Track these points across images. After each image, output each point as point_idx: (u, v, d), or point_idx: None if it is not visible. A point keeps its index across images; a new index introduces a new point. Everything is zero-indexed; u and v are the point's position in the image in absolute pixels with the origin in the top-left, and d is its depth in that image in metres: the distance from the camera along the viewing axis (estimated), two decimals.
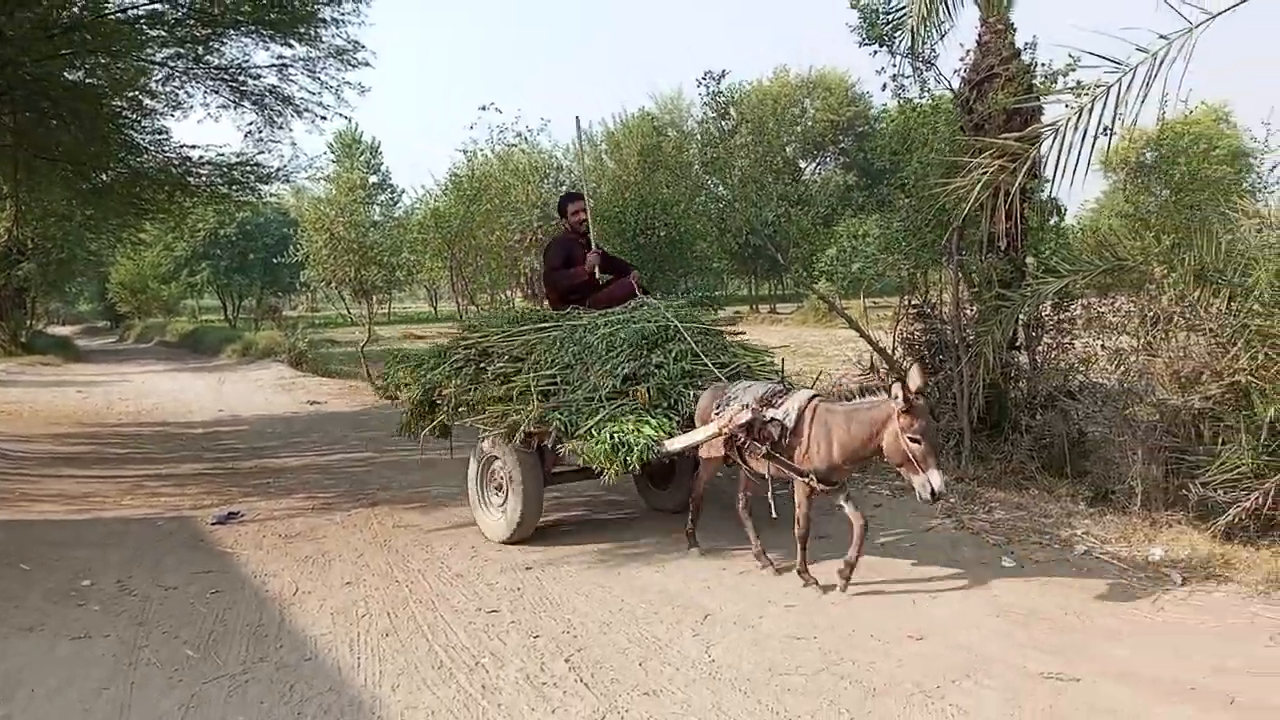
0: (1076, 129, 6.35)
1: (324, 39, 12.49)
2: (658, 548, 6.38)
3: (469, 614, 5.23)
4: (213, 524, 7.46)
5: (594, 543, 6.59)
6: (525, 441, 6.16)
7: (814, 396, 5.45)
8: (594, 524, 7.22)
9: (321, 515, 7.69)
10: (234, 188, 14.70)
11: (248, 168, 14.23)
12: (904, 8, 7.90)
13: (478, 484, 6.83)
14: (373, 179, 41.51)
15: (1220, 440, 5.99)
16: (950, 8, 7.72)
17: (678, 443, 5.76)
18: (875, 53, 8.15)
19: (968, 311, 8.38)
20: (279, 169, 14.53)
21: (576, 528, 7.10)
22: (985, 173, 6.39)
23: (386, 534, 7.03)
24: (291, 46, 12.56)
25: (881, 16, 7.38)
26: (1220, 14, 6.12)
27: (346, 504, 8.07)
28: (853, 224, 20.87)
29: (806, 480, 5.27)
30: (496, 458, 6.55)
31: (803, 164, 41.09)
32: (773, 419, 5.39)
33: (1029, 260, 8.34)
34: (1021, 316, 7.57)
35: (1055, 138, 6.53)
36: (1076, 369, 7.96)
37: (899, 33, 7.98)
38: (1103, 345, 7.52)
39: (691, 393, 6.05)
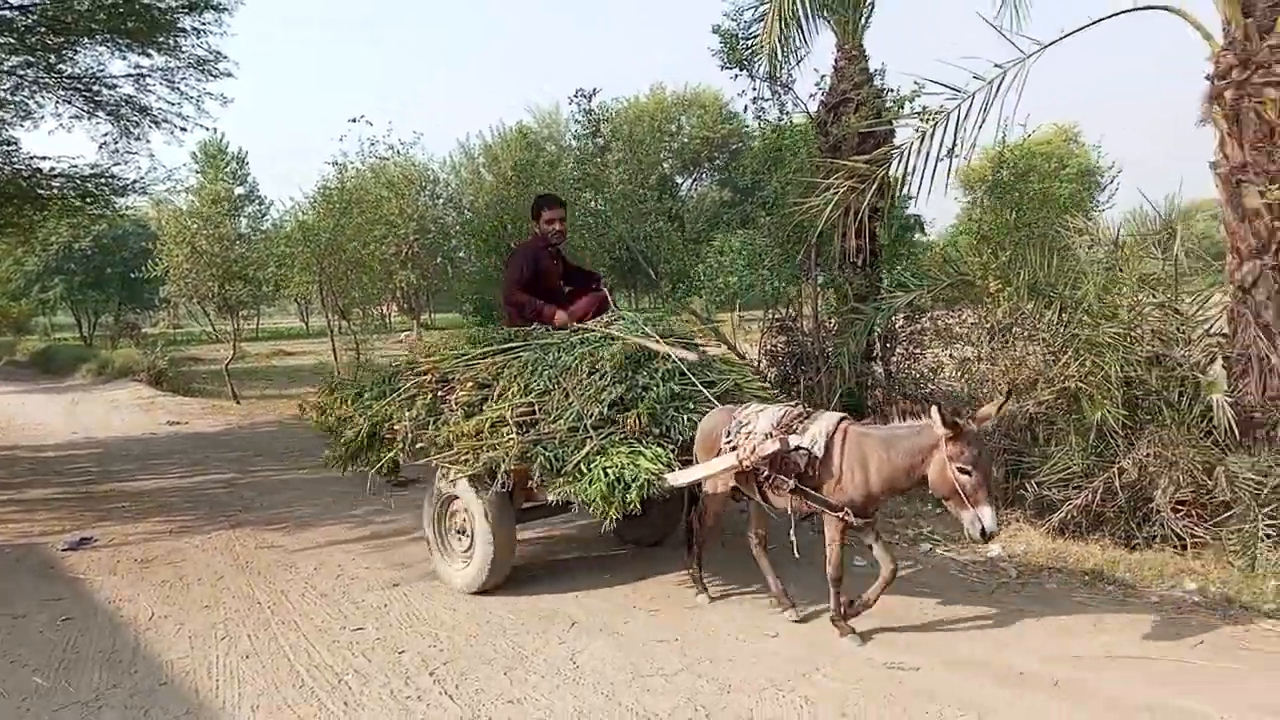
0: (920, 152, 6.76)
1: (184, 49, 12.15)
2: (530, 558, 6.44)
3: (333, 633, 5.18)
4: (64, 550, 7.13)
5: None
6: (493, 478, 5.34)
7: (841, 419, 4.87)
8: None
9: (180, 538, 7.44)
10: (88, 200, 14.06)
11: (103, 180, 13.64)
12: (761, 34, 8.23)
13: (435, 528, 6.00)
14: (239, 190, 40.17)
15: (1053, 442, 6.46)
16: (806, 35, 8.09)
17: (685, 476, 5.07)
18: (735, 76, 8.48)
19: (828, 324, 8.77)
20: (135, 181, 13.97)
21: None
22: (836, 193, 6.73)
23: (249, 555, 6.87)
24: (150, 56, 12.17)
25: (741, 42, 7.67)
26: (1049, 45, 6.66)
27: (207, 526, 7.83)
28: (722, 240, 21.37)
29: (841, 515, 4.69)
30: (457, 497, 5.73)
31: (679, 180, 41.77)
32: (798, 447, 4.75)
33: (885, 275, 8.80)
34: (876, 329, 7.97)
35: (901, 160, 6.94)
36: (927, 378, 8.44)
37: (757, 57, 8.32)
38: (950, 355, 8.01)
39: (686, 417, 5.37)
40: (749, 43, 8.32)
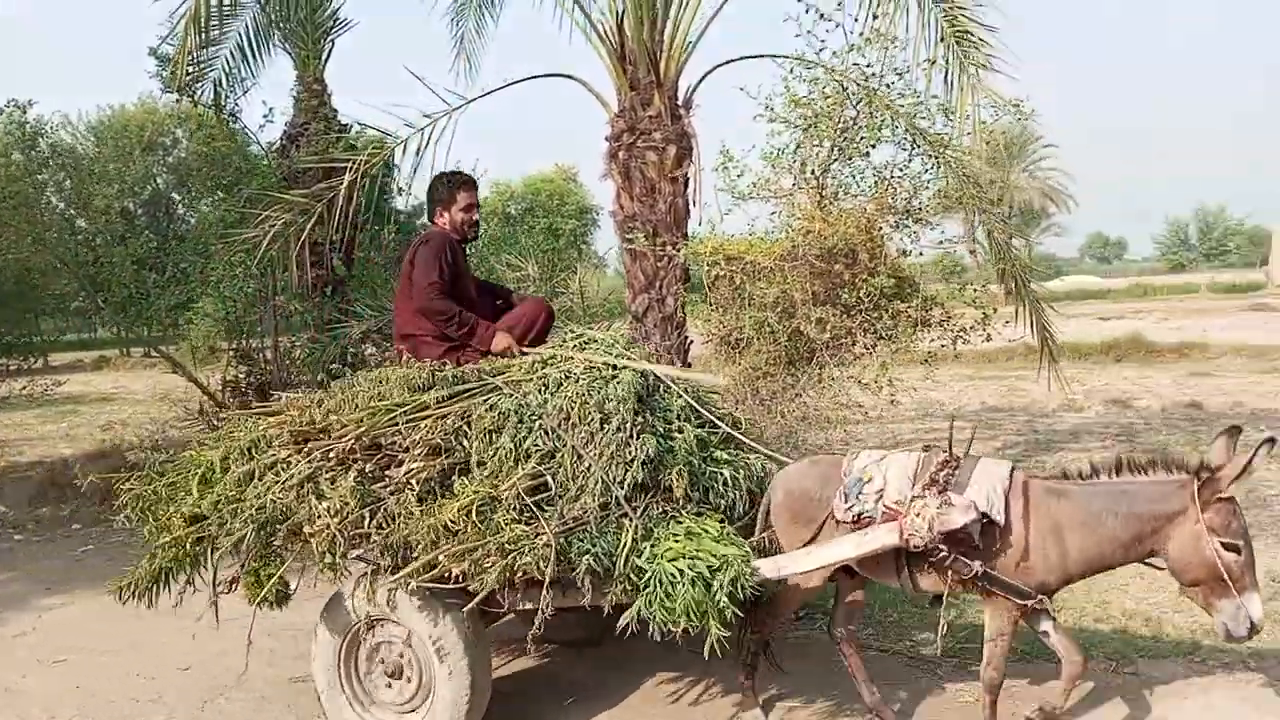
0: (361, 186, 7.09)
1: None
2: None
3: None
4: None
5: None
6: (463, 591, 3.67)
7: (1013, 469, 3.71)
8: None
9: None
10: None
11: None
12: (210, 60, 8.06)
13: (339, 673, 4.08)
14: None
15: None
16: (253, 65, 8.09)
17: (803, 562, 3.76)
18: (178, 100, 8.19)
19: (296, 353, 8.78)
20: None
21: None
22: (274, 224, 6.82)
23: None
24: None
25: (183, 67, 7.44)
26: (473, 100, 7.37)
27: None
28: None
29: (1029, 601, 3.57)
30: (392, 623, 3.97)
31: (176, 196, 38.61)
32: (984, 515, 3.54)
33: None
34: (345, 356, 8.14)
35: (348, 193, 7.21)
36: None
37: (201, 83, 8.12)
38: None
39: (725, 473, 3.99)
40: (193, 68, 8.09)
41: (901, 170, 6.47)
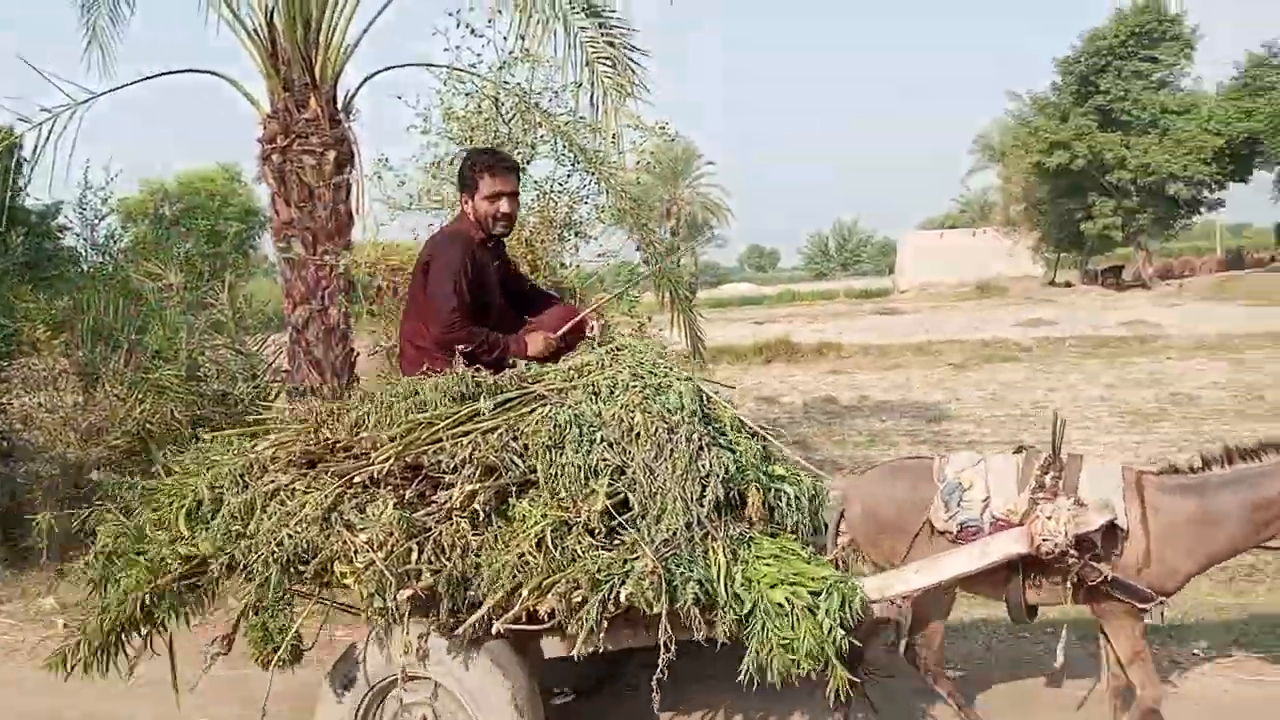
0: None
1: None
2: None
3: None
4: None
5: None
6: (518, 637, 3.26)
7: (1123, 468, 3.56)
8: None
9: None
10: None
11: None
12: None
13: None
14: None
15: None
16: None
17: (909, 581, 3.43)
18: None
19: None
20: None
21: None
22: None
23: None
24: None
25: None
26: (102, 94, 6.72)
27: None
28: None
29: (1151, 607, 3.38)
30: (426, 681, 3.40)
31: None
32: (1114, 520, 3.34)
33: None
34: None
35: None
36: (16, 430, 7.79)
37: None
38: (40, 404, 7.51)
39: (787, 490, 3.55)
40: None
41: (561, 185, 6.71)
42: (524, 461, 3.31)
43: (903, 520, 3.55)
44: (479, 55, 6.31)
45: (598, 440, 3.30)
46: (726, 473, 3.32)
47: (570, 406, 3.41)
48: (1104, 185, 38.32)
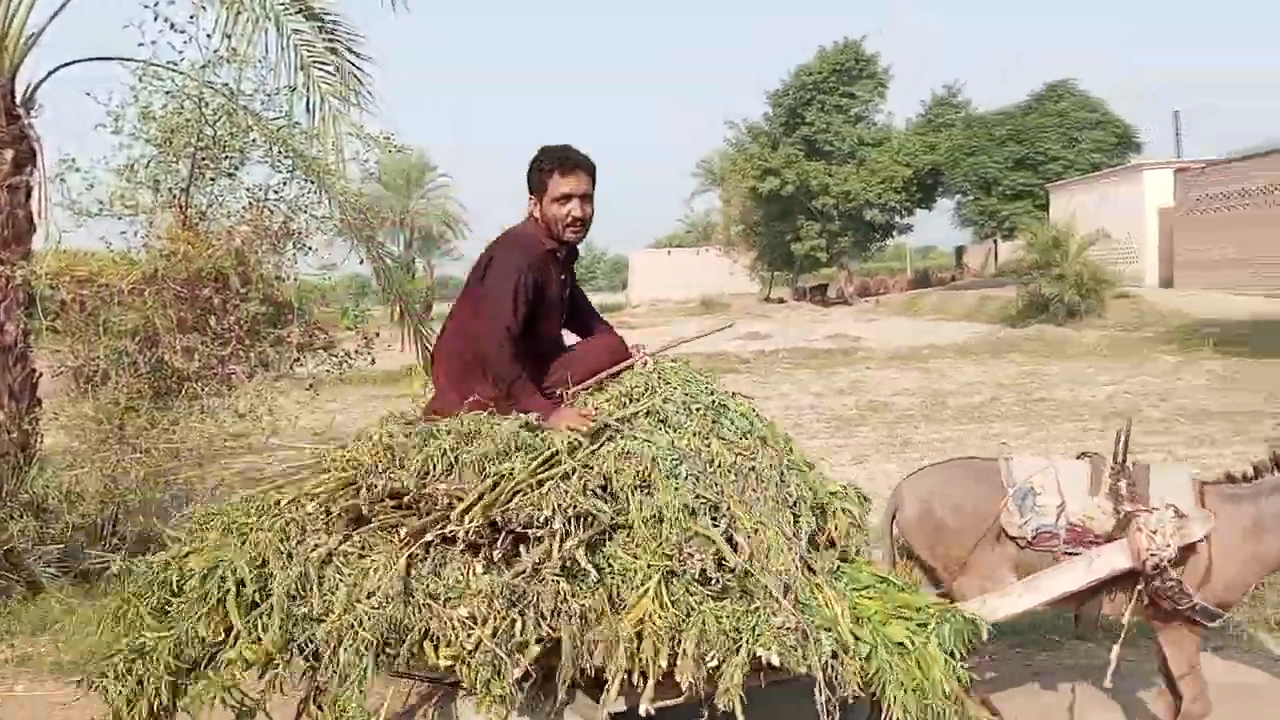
0: None
1: None
2: None
3: None
4: None
5: None
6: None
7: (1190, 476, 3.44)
8: None
9: None
10: None
11: None
12: None
13: None
14: None
15: None
16: None
17: (1015, 602, 3.24)
18: None
19: None
20: None
21: None
22: None
23: None
24: None
25: None
26: None
27: None
28: None
29: (1215, 623, 3.30)
30: None
31: None
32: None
33: None
34: None
35: None
36: None
37: None
38: None
39: (853, 511, 3.23)
40: None
41: (277, 193, 6.38)
42: (611, 505, 2.87)
43: (965, 524, 3.38)
44: (180, 52, 5.86)
45: (682, 475, 2.97)
46: (813, 499, 3.15)
47: (645, 440, 3.05)
48: (810, 210, 41.46)
